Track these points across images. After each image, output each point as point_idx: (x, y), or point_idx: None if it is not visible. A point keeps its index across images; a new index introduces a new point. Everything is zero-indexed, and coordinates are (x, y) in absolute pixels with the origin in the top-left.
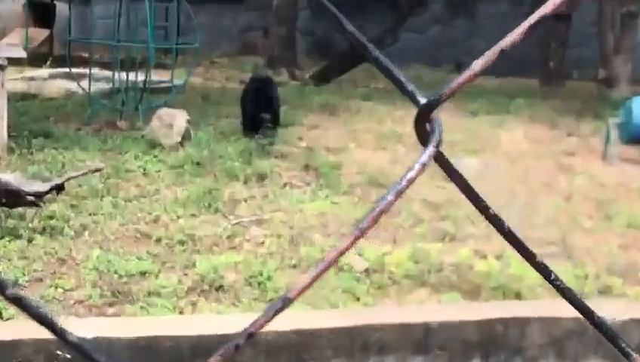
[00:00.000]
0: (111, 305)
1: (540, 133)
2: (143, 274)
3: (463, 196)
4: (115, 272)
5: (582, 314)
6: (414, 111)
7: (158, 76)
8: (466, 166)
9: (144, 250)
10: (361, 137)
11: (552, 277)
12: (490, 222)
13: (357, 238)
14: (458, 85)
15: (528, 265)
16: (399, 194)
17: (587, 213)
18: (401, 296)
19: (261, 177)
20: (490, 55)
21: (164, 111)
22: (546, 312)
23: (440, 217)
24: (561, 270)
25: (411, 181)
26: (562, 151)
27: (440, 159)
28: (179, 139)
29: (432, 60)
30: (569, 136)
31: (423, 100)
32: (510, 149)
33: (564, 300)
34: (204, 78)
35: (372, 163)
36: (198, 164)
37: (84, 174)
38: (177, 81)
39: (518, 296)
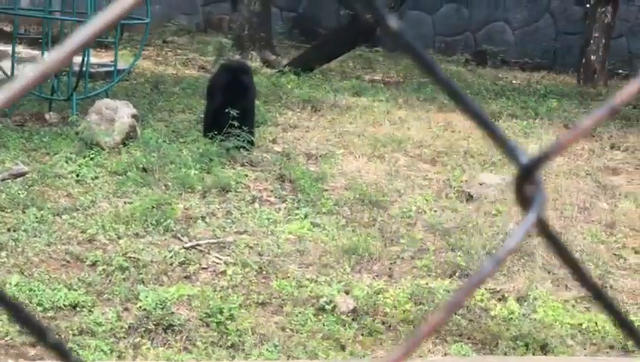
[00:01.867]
0: (33, 345)
1: (577, 144)
2: (74, 307)
3: (480, 220)
4: (39, 304)
5: None
6: (420, 112)
7: (97, 58)
8: (483, 183)
9: (75, 276)
10: (351, 142)
11: None
12: (609, 311)
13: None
14: (564, 145)
15: (558, 309)
16: (499, 264)
17: (632, 245)
18: (397, 346)
19: (224, 190)
20: (599, 116)
21: (104, 103)
22: None
23: (449, 246)
24: (599, 318)
25: (512, 252)
26: (604, 167)
27: (543, 227)
28: (122, 138)
29: (443, 47)
30: (612, 149)
31: (524, 159)
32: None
33: (602, 358)
34: (155, 62)
35: (365, 175)
36: (144, 170)
37: (2, 180)
38: (122, 65)
39: (544, 349)
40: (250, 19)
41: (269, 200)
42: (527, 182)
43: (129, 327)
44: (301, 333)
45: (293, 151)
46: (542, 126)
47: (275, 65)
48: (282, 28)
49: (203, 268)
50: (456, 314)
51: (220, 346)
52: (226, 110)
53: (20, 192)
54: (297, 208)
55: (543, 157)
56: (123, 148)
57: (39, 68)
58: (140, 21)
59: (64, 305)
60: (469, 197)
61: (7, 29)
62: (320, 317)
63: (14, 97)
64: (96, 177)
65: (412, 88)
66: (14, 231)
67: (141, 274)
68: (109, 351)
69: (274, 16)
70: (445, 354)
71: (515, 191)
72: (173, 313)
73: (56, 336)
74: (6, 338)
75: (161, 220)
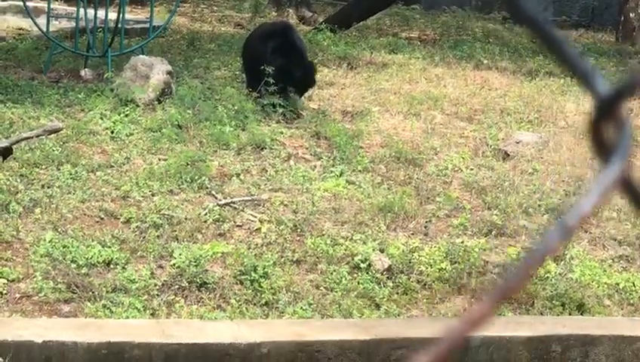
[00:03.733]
0: (66, 301)
1: None
2: (107, 264)
3: (516, 179)
4: (73, 261)
5: None
6: (456, 69)
7: (133, 14)
8: (520, 141)
9: (109, 233)
10: (387, 100)
11: None
12: None
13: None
14: None
15: (595, 269)
16: (568, 234)
17: None
18: (432, 305)
19: (258, 147)
20: None
21: (139, 60)
22: (617, 330)
23: (485, 205)
24: (636, 278)
25: (586, 217)
26: None
27: (629, 185)
28: (156, 94)
29: (480, 4)
30: None
31: (605, 89)
32: (576, 122)
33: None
34: (191, 19)
35: (401, 133)
36: (179, 127)
37: (37, 136)
38: (157, 22)
39: (581, 308)
40: None
41: (304, 158)
42: (608, 121)
43: (162, 285)
44: (335, 291)
45: (329, 108)
46: (579, 84)
47: (311, 22)
48: None
49: (237, 226)
50: (492, 273)
51: (254, 304)
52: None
53: (54, 149)
54: (333, 166)
55: (629, 88)
56: (158, 105)
57: None
58: None
59: (98, 262)
60: (506, 156)
61: None
62: (355, 275)
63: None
64: (131, 134)
65: (448, 46)
66: (48, 187)
67: (175, 231)
68: (142, 309)
69: None
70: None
71: (590, 133)
72: (207, 270)
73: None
74: (39, 295)
75: (196, 177)
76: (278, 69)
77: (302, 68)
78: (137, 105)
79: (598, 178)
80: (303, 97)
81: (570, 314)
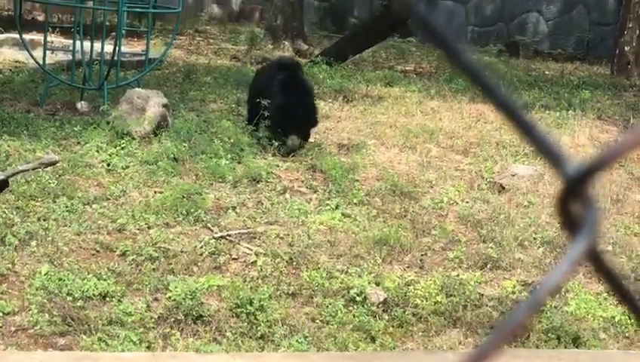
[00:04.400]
0: (62, 334)
1: (610, 136)
2: (103, 297)
3: (512, 212)
4: (68, 293)
5: None
6: (452, 103)
7: (129, 47)
8: (515, 175)
9: (105, 266)
10: (383, 132)
11: None
12: None
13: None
14: (618, 153)
15: (591, 302)
16: (536, 307)
17: None
18: (427, 338)
19: (254, 180)
20: None
21: (135, 92)
22: None
23: (480, 238)
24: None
25: (554, 292)
26: (637, 158)
27: (596, 258)
28: (152, 127)
29: (476, 37)
30: None
31: (570, 170)
32: (572, 155)
33: (635, 352)
34: (187, 51)
35: (396, 166)
36: (175, 160)
37: (33, 169)
38: (153, 54)
39: (576, 342)
40: (282, 9)
41: (300, 191)
42: (574, 199)
43: (158, 317)
44: (331, 324)
45: (325, 141)
46: (575, 117)
47: (307, 55)
48: (315, 17)
49: (233, 259)
50: (487, 306)
51: (250, 337)
52: (291, 109)
53: (50, 181)
54: (328, 198)
55: (595, 167)
56: (154, 138)
57: None
58: (171, 11)
59: (94, 295)
60: (501, 189)
61: (40, 17)
62: (350, 308)
63: None
64: (127, 166)
65: (444, 79)
66: (45, 220)
67: (171, 264)
68: (138, 342)
69: (307, 6)
70: (477, 346)
71: (558, 209)
72: (202, 303)
73: None
74: (35, 328)
75: (192, 210)
76: (279, 106)
77: (304, 107)
78: (133, 138)
79: (567, 252)
80: (305, 139)
81: (565, 348)
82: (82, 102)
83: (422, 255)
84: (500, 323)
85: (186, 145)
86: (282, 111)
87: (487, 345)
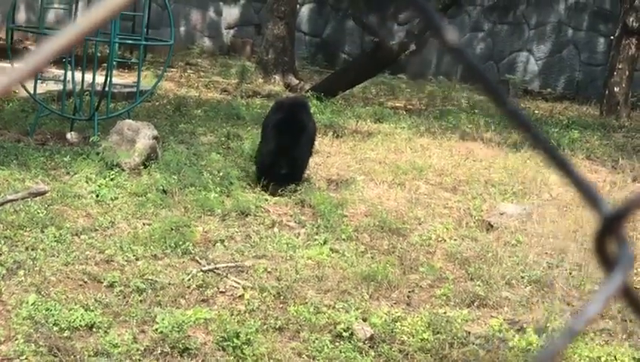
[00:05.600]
0: None
1: (598, 175)
2: (90, 327)
3: (499, 250)
4: (55, 324)
5: None
6: (441, 140)
7: (120, 78)
8: (504, 213)
9: (92, 297)
10: (372, 169)
11: None
12: None
13: None
14: None
15: (577, 342)
16: (573, 336)
17: None
18: None
19: (243, 213)
20: None
21: (125, 124)
22: None
23: (468, 276)
24: (618, 352)
25: (591, 321)
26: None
27: (629, 295)
28: (142, 159)
29: (465, 76)
30: (635, 182)
31: (607, 210)
32: (560, 195)
33: None
34: (178, 84)
35: (385, 202)
36: (164, 192)
37: (22, 198)
38: (144, 86)
39: None
40: (274, 44)
41: (288, 225)
42: (610, 238)
43: (145, 350)
44: (318, 360)
45: (314, 176)
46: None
47: (297, 89)
48: (306, 53)
49: (221, 292)
50: (474, 344)
51: None
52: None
53: (39, 211)
54: (317, 233)
55: (630, 207)
56: (143, 170)
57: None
58: (162, 43)
59: (80, 326)
60: (489, 227)
61: (32, 47)
62: (337, 343)
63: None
64: (116, 198)
65: (434, 116)
66: (32, 250)
67: (158, 296)
68: None
69: (298, 41)
70: None
71: (595, 247)
72: (189, 336)
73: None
74: (21, 358)
75: (180, 242)
76: (269, 152)
77: (290, 160)
78: (123, 170)
79: (602, 287)
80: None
81: None
82: (72, 132)
83: (409, 291)
84: (540, 352)
85: (175, 177)
86: (270, 158)
87: None
